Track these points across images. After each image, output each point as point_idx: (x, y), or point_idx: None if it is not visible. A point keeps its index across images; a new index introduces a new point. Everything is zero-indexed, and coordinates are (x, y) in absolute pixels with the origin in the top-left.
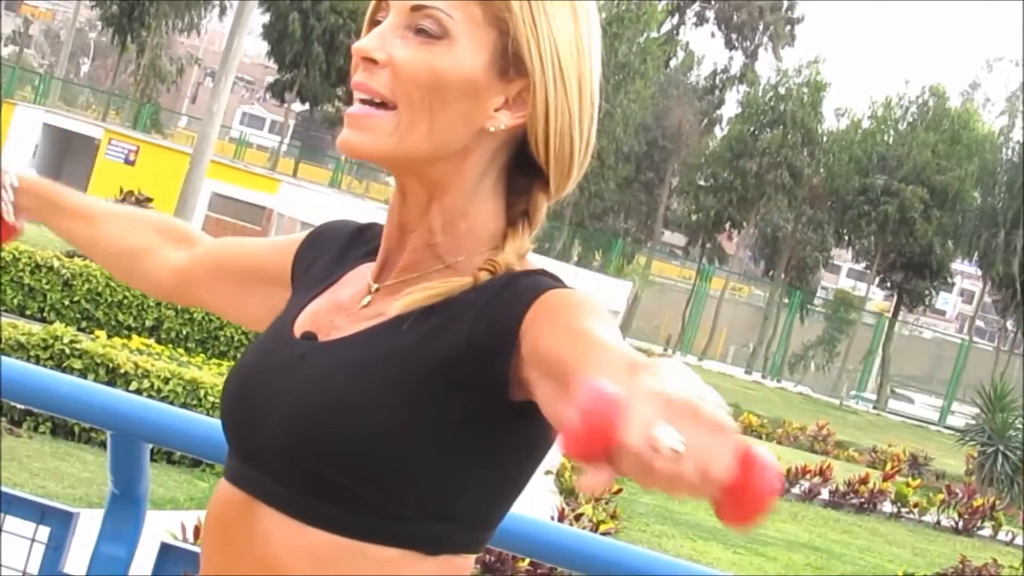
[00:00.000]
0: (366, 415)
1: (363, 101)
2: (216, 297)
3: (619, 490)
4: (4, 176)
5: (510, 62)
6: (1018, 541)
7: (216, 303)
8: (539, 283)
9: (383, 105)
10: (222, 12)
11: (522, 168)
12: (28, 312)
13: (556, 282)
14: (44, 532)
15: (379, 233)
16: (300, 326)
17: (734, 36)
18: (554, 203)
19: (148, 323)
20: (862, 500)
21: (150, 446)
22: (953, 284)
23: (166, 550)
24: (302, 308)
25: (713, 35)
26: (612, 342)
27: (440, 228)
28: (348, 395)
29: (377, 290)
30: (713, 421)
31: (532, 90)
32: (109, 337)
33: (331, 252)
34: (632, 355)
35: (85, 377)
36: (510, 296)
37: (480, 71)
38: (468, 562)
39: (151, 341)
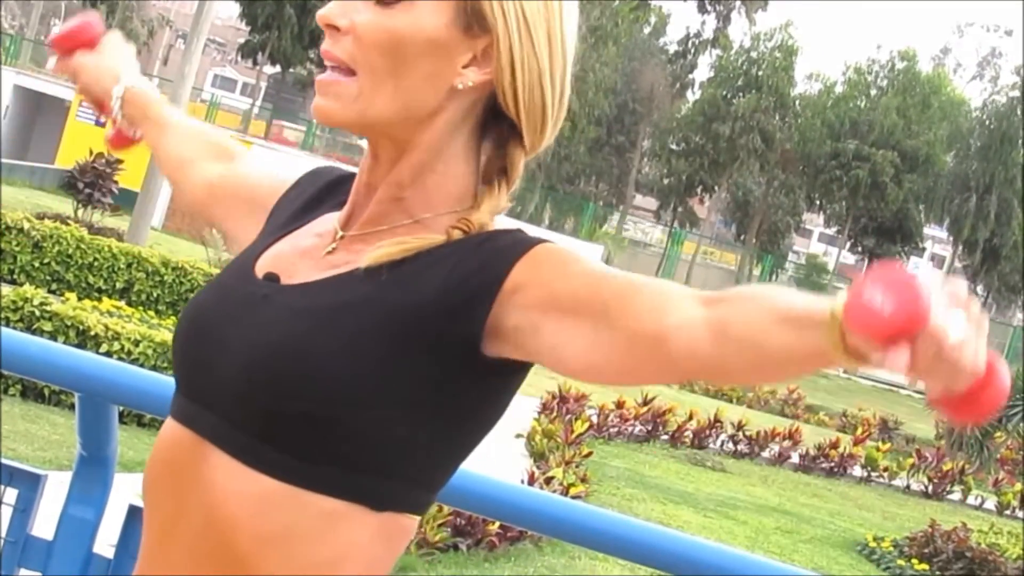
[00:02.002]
0: (327, 363)
1: (332, 68)
2: (225, 220)
3: (589, 453)
4: (115, 92)
5: (473, 18)
6: (987, 505)
7: (224, 226)
8: (524, 239)
9: (350, 72)
10: None
11: (498, 124)
12: None
13: (539, 238)
14: (12, 494)
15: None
16: (262, 267)
17: (707, 0)
18: (531, 159)
19: (119, 285)
20: (832, 464)
21: (119, 408)
22: (924, 249)
23: (134, 512)
24: (265, 248)
25: None
26: (644, 279)
27: (408, 182)
28: (311, 342)
29: (342, 238)
30: (980, 319)
31: (496, 44)
32: (79, 299)
33: (305, 196)
34: (682, 287)
35: (55, 339)
36: (489, 252)
37: (443, 29)
38: (411, 522)
39: (122, 303)
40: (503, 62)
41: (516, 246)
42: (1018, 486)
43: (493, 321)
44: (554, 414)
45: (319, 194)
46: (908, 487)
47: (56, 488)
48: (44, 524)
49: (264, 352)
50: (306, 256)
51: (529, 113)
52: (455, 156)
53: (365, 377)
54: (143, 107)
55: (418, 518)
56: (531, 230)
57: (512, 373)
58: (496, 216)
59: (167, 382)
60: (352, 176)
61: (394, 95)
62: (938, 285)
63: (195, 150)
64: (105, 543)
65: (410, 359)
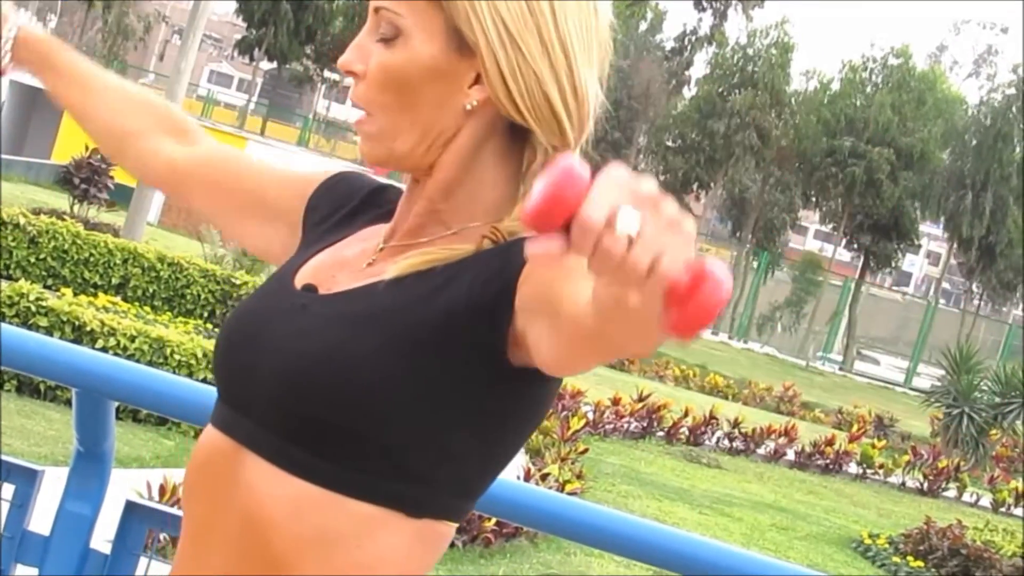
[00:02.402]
0: (362, 369)
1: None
2: (208, 207)
3: (585, 450)
4: (4, 23)
5: (460, 40)
6: (983, 503)
7: (207, 213)
8: None
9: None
10: None
11: (528, 130)
12: None
13: None
14: (9, 490)
15: (395, 196)
16: (302, 278)
17: None
18: None
19: (114, 281)
20: (828, 461)
21: (115, 404)
22: (920, 246)
23: (131, 508)
24: (306, 260)
25: None
26: None
27: (440, 197)
28: (344, 348)
29: (382, 250)
30: (674, 219)
31: (480, 59)
32: (75, 295)
33: (345, 207)
34: None
35: (51, 335)
36: (507, 257)
37: (438, 56)
38: (448, 529)
39: (117, 299)
40: (492, 76)
41: (523, 251)
42: (1013, 483)
43: (513, 328)
44: (550, 411)
45: (359, 205)
46: (903, 484)
47: (53, 484)
48: (41, 519)
49: (300, 360)
50: (345, 267)
51: (538, 119)
52: (488, 167)
53: (397, 385)
54: (46, 56)
55: (455, 524)
56: None
57: (542, 381)
58: None
59: (163, 377)
60: (387, 187)
61: (412, 127)
62: (616, 178)
63: (143, 125)
64: (102, 539)
65: (441, 367)
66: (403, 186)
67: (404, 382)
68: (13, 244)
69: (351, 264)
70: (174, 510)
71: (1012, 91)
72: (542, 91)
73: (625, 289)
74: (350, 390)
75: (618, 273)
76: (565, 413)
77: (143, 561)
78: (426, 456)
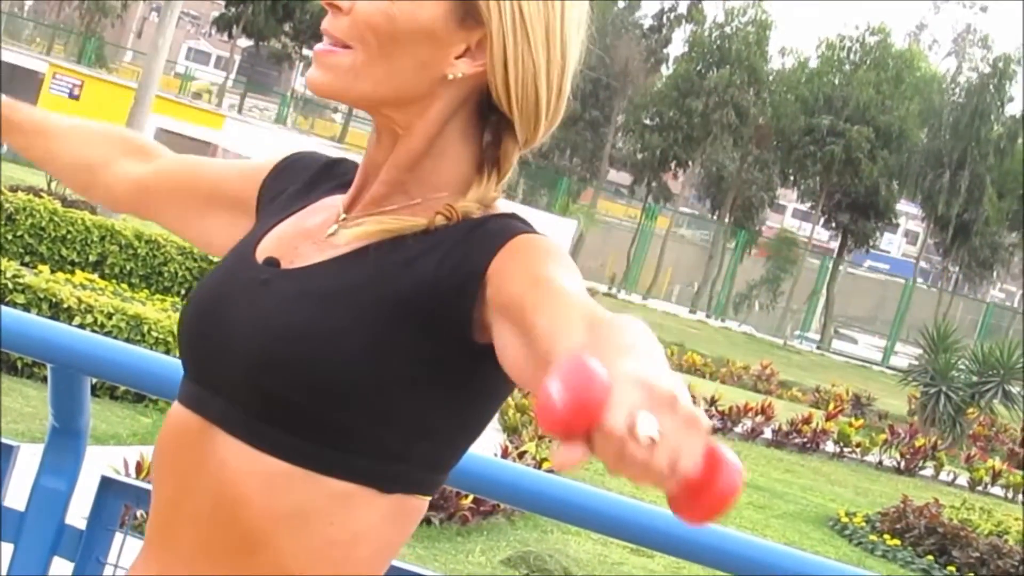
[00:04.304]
0: (330, 346)
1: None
2: (175, 216)
3: None
4: None
5: (469, 11)
6: (960, 481)
7: (174, 222)
8: (509, 227)
9: (346, 47)
10: None
11: (496, 114)
12: None
13: (526, 226)
14: None
15: (351, 168)
16: (263, 251)
17: None
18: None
19: (92, 258)
20: (805, 439)
21: (91, 380)
22: (898, 225)
23: (107, 484)
24: (265, 233)
25: None
26: (573, 292)
27: (406, 166)
28: (312, 325)
29: (344, 219)
30: (689, 415)
31: (489, 39)
32: (52, 272)
33: (298, 182)
34: (592, 308)
35: (28, 312)
36: (479, 238)
37: (439, 19)
38: (421, 503)
39: (94, 276)
40: (495, 58)
41: (501, 234)
42: (990, 462)
43: (478, 309)
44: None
45: (316, 177)
46: (881, 463)
47: (28, 459)
48: (16, 495)
49: (265, 337)
50: (308, 238)
51: (522, 110)
52: (452, 142)
53: (365, 360)
54: (6, 118)
55: (428, 498)
56: (508, 206)
57: None
58: (485, 204)
59: (140, 354)
60: (341, 160)
61: (385, 77)
62: (633, 380)
63: (104, 153)
64: (77, 515)
65: (409, 342)
66: (358, 159)
67: (372, 359)
68: None
69: (312, 235)
70: (150, 486)
71: (988, 69)
72: (534, 84)
73: (643, 483)
74: (319, 369)
75: (638, 476)
76: None
77: (119, 537)
78: (397, 432)
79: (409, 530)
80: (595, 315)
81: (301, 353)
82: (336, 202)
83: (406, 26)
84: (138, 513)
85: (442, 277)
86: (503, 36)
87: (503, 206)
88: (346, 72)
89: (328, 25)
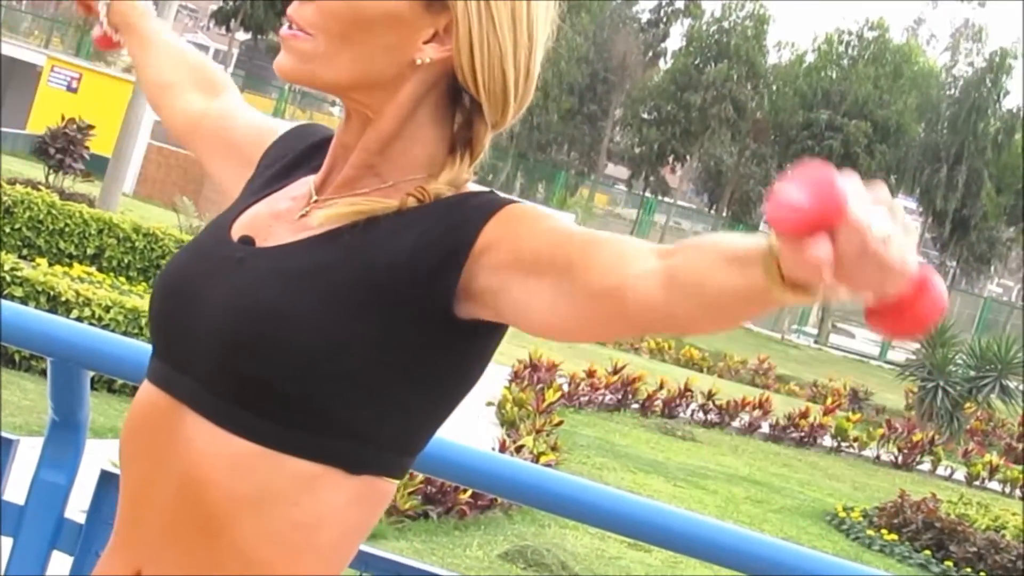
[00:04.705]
0: (301, 326)
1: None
2: (205, 155)
3: (560, 422)
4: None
5: None
6: (957, 476)
7: (204, 160)
8: (495, 199)
9: (310, 33)
10: None
11: (468, 96)
12: None
13: (509, 199)
14: None
15: None
16: (239, 229)
17: None
18: (500, 133)
19: (90, 251)
20: (802, 434)
21: (91, 373)
22: None
23: (107, 477)
24: (243, 210)
25: None
26: (606, 235)
27: (376, 149)
28: (283, 305)
29: (315, 201)
30: (908, 223)
31: (455, 23)
32: (50, 265)
33: (288, 156)
34: (640, 242)
35: (26, 305)
36: (460, 215)
37: (404, 4)
38: (389, 486)
39: (92, 269)
40: (461, 41)
41: (486, 207)
42: (987, 457)
43: (464, 283)
44: (525, 383)
45: (300, 157)
46: (878, 457)
47: (28, 453)
48: (16, 489)
49: (237, 316)
50: (280, 219)
51: (489, 93)
52: (423, 125)
53: (337, 341)
54: (126, 16)
55: (396, 482)
56: (477, 187)
57: (486, 335)
58: (457, 186)
59: (139, 347)
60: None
61: (350, 63)
62: (858, 183)
63: (180, 78)
64: (77, 508)
65: (382, 322)
66: None
67: (344, 339)
68: None
69: (286, 215)
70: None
71: (985, 64)
72: (501, 67)
73: (866, 285)
74: (289, 348)
75: (872, 273)
76: (540, 385)
77: None
78: (366, 412)
79: (377, 514)
80: (653, 246)
81: (268, 332)
82: (310, 183)
83: (371, 12)
84: None
85: (420, 254)
86: (468, 20)
87: (474, 188)
88: (310, 59)
89: (293, 11)
